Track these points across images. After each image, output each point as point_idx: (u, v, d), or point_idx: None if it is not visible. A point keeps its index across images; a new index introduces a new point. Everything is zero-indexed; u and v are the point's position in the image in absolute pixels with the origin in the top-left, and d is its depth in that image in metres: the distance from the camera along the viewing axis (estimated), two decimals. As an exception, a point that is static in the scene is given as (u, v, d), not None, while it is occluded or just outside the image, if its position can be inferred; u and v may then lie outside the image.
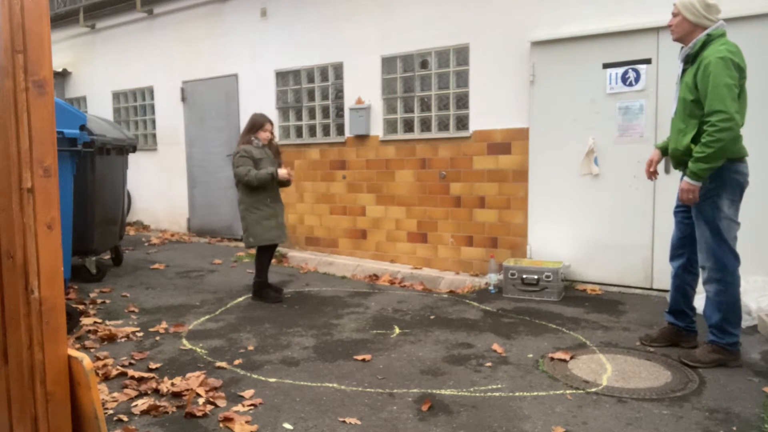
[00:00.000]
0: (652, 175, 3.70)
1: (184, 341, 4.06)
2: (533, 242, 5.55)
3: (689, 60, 3.34)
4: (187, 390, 3.12)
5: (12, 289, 1.71)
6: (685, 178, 3.28)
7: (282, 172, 4.88)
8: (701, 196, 3.30)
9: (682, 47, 3.42)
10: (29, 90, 1.62)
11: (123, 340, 4.08)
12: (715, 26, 3.27)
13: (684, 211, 3.53)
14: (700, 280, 3.52)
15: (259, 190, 4.91)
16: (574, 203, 5.30)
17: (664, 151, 3.67)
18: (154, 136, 9.13)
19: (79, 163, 4.87)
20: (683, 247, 3.56)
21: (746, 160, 3.31)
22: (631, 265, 5.08)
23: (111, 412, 2.94)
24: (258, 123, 5.01)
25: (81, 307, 4.78)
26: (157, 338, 4.12)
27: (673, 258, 3.65)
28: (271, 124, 5.09)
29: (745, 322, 4.04)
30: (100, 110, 9.49)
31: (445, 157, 6.07)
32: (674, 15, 3.37)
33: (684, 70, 3.40)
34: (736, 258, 3.31)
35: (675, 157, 3.46)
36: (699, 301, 3.72)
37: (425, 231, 6.30)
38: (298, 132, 7.35)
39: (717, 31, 3.26)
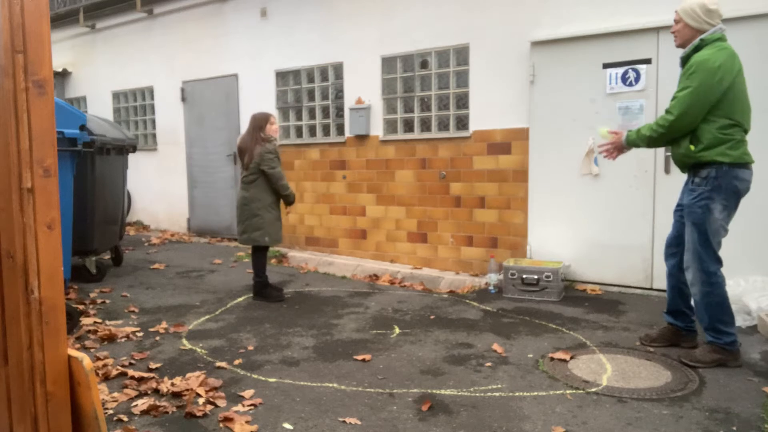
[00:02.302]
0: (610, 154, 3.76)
1: (184, 341, 4.06)
2: (533, 242, 5.55)
3: (682, 63, 3.41)
4: (187, 390, 3.12)
5: (12, 289, 1.71)
6: (623, 134, 3.61)
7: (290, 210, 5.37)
8: (695, 197, 3.32)
9: None
10: (29, 90, 1.62)
11: (123, 340, 4.08)
12: (711, 31, 3.30)
13: (682, 211, 3.54)
14: None
15: (274, 191, 5.01)
16: (574, 203, 5.30)
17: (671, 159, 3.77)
18: (154, 136, 9.13)
19: (79, 163, 4.87)
20: (677, 246, 3.58)
21: (750, 167, 3.30)
22: (631, 265, 5.08)
23: (111, 412, 2.94)
24: (263, 119, 5.02)
25: (81, 307, 4.78)
26: (157, 338, 4.12)
27: (667, 257, 3.67)
28: (274, 116, 5.13)
29: (745, 322, 4.04)
30: (100, 110, 9.49)
31: (445, 157, 6.08)
32: (676, 21, 3.40)
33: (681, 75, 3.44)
34: (717, 261, 3.34)
35: (677, 160, 3.47)
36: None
37: (425, 231, 6.30)
38: (298, 132, 7.35)
39: (712, 36, 3.29)
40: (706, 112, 3.21)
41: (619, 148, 3.63)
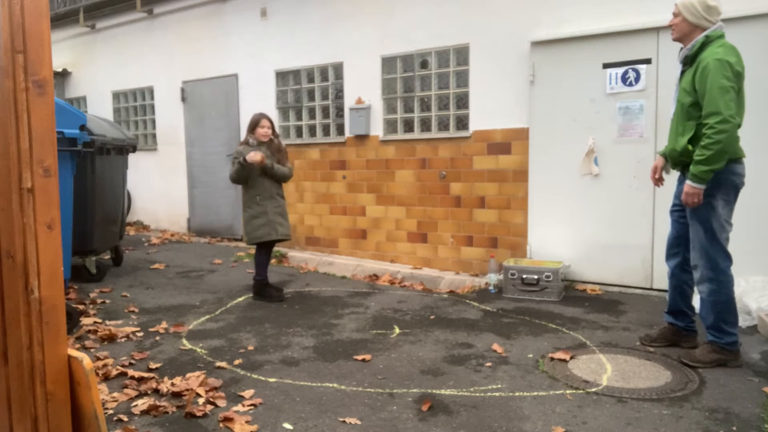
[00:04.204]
0: (658, 182, 3.69)
1: (184, 341, 4.06)
2: (533, 242, 5.55)
3: (687, 61, 3.36)
4: (187, 390, 3.12)
5: (12, 289, 1.71)
6: (688, 181, 3.28)
7: (251, 156, 4.71)
8: None
9: (681, 48, 3.43)
10: (29, 90, 1.62)
11: (123, 340, 4.08)
12: (714, 28, 3.28)
13: (680, 211, 3.55)
14: None
15: (251, 188, 4.97)
16: (574, 203, 5.30)
17: (667, 157, 3.70)
18: (154, 136, 9.13)
19: (79, 163, 4.87)
20: (678, 246, 3.58)
21: (743, 161, 3.31)
22: (631, 265, 5.08)
23: (111, 412, 2.94)
24: (254, 121, 5.04)
25: (81, 307, 4.78)
26: (157, 338, 4.12)
27: (668, 257, 3.67)
28: (268, 120, 5.05)
29: (745, 322, 4.04)
30: (100, 110, 9.49)
31: (445, 157, 6.07)
32: (675, 15, 3.39)
33: (682, 72, 3.42)
34: (728, 257, 3.32)
35: (673, 158, 3.48)
36: (698, 302, 3.72)
37: (425, 231, 6.29)
38: (298, 132, 7.35)
39: (715, 32, 3.28)
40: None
41: (696, 194, 3.25)
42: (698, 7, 3.27)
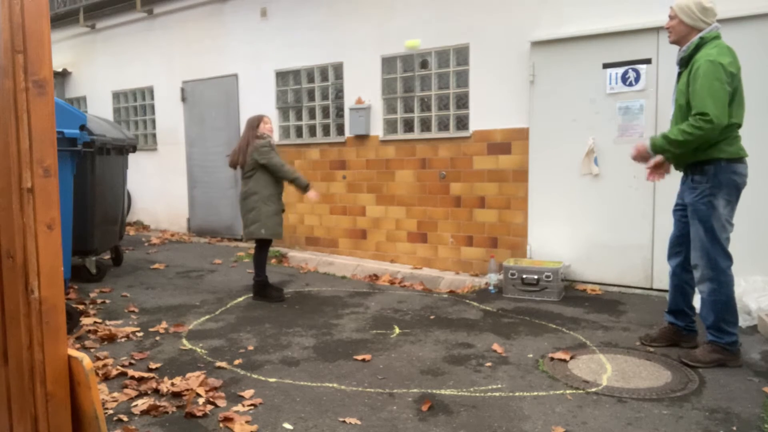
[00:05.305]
0: (654, 175, 3.63)
1: (184, 341, 4.06)
2: (533, 242, 5.55)
3: (683, 63, 3.38)
4: (187, 390, 3.12)
5: (12, 289, 1.71)
6: (646, 142, 3.42)
7: (312, 194, 5.09)
8: (698, 194, 3.33)
9: (680, 50, 3.45)
10: (29, 90, 1.62)
11: (123, 340, 4.08)
12: (709, 29, 3.30)
13: (682, 210, 3.55)
14: None
15: (277, 184, 5.03)
16: (574, 203, 5.30)
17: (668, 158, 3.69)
18: (154, 136, 9.13)
19: (79, 163, 4.87)
20: (681, 246, 3.58)
21: (746, 161, 3.32)
22: (631, 265, 5.08)
23: (111, 412, 2.94)
24: (256, 119, 5.11)
25: (81, 307, 4.78)
26: (157, 338, 4.12)
27: (670, 257, 3.67)
28: (268, 117, 5.16)
29: (745, 322, 4.04)
30: (100, 110, 9.49)
31: (445, 157, 6.07)
32: (671, 18, 3.41)
33: (679, 74, 3.43)
34: (728, 257, 3.32)
35: (676, 159, 3.48)
36: (699, 302, 3.73)
37: (425, 231, 6.30)
38: (298, 132, 7.35)
39: (710, 33, 3.29)
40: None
41: (645, 157, 3.46)
42: (694, 9, 3.29)
